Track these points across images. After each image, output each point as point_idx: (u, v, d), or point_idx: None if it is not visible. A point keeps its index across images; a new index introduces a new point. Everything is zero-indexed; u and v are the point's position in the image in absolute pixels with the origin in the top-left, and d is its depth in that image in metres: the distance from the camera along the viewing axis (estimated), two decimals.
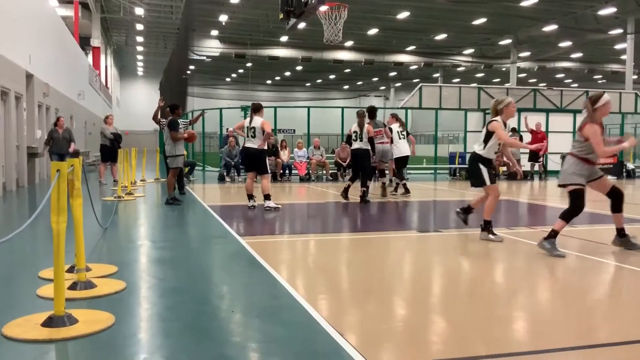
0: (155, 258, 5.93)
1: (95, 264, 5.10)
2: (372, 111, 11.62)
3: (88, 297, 4.21)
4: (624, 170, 19.08)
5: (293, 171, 17.76)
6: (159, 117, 12.02)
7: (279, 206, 9.89)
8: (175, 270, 5.33)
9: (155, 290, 4.60)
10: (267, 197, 9.85)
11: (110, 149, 14.74)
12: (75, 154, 12.73)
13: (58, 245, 3.58)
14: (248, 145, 9.92)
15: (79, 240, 4.39)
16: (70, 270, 4.62)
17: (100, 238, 6.81)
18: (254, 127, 9.77)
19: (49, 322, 3.51)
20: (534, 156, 18.39)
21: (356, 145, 11.00)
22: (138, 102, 62.23)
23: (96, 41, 35.17)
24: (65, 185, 3.68)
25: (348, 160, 17.64)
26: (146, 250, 6.34)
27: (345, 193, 11.24)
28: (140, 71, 62.06)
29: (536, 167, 18.66)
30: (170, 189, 10.46)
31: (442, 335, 3.64)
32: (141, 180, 15.84)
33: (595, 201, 8.16)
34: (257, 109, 10.01)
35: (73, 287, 4.32)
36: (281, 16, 9.97)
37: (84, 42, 33.14)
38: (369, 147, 10.91)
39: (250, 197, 10.03)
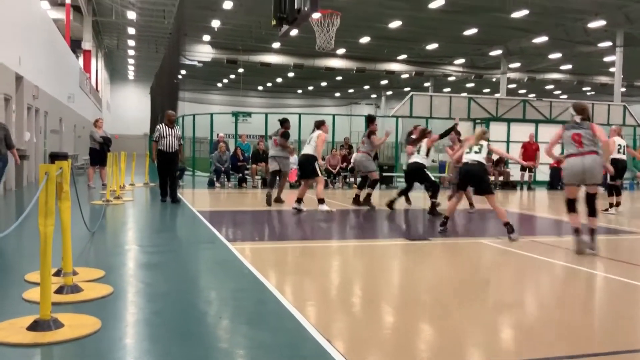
0: (143, 263, 5.90)
1: (82, 268, 5.06)
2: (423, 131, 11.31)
3: (74, 302, 4.18)
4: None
5: None
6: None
7: (333, 210, 10.20)
8: (163, 275, 5.30)
9: (143, 295, 4.57)
10: (320, 201, 10.13)
11: (100, 152, 14.65)
12: (21, 157, 10.83)
13: (45, 249, 3.55)
14: (302, 151, 10.93)
15: (67, 244, 4.36)
16: (57, 273, 4.58)
17: (88, 242, 6.76)
18: (311, 137, 10.75)
19: (35, 326, 3.48)
20: (525, 167, 18.49)
21: (414, 159, 10.59)
22: (128, 106, 62.00)
23: (87, 44, 35.02)
24: (54, 188, 3.66)
25: (338, 167, 17.69)
26: (134, 255, 6.30)
27: (391, 204, 11.07)
28: (131, 75, 61.83)
29: (526, 177, 18.78)
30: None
31: (430, 342, 3.65)
32: (130, 185, 15.76)
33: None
34: (318, 125, 10.93)
35: (59, 291, 4.29)
36: (274, 23, 10.00)
37: (75, 45, 33.00)
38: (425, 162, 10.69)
39: (299, 200, 10.36)
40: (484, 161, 8.04)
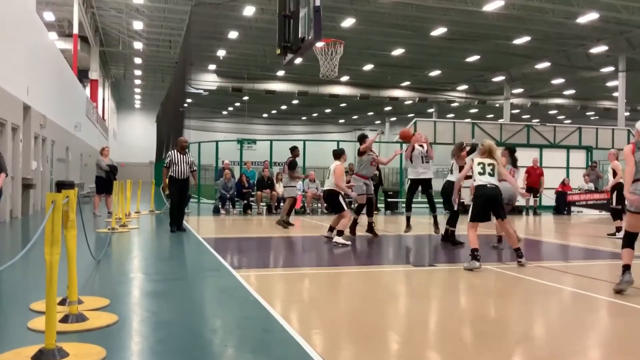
0: (148, 291, 5.88)
1: (87, 297, 5.05)
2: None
3: (79, 330, 4.16)
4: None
5: None
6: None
7: (348, 243, 9.64)
8: (168, 303, 5.28)
9: (148, 324, 4.55)
10: (338, 232, 9.83)
11: (106, 180, 14.72)
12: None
13: (51, 277, 3.55)
14: (325, 186, 10.99)
15: (72, 272, 4.36)
16: (62, 302, 4.57)
17: (93, 270, 6.75)
18: (330, 170, 10.40)
19: (39, 356, 3.46)
20: (530, 190, 18.45)
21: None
22: (134, 135, 62.49)
23: (94, 74, 35.47)
24: (60, 216, 3.68)
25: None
26: (139, 283, 6.29)
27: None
28: (137, 104, 62.47)
29: (531, 202, 18.72)
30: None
31: None
32: (135, 212, 15.79)
33: (589, 236, 8.18)
34: (335, 155, 10.59)
35: (64, 319, 4.27)
36: (278, 51, 10.09)
37: (82, 75, 33.42)
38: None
39: (331, 228, 10.22)
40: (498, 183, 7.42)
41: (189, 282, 6.49)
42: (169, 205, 11.90)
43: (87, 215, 13.98)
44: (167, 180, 11.05)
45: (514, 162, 9.76)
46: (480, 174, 7.39)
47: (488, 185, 7.30)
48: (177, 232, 10.98)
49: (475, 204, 7.52)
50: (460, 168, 9.49)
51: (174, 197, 11.14)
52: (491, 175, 7.35)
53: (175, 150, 11.23)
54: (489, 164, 7.38)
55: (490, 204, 7.38)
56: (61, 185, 4.33)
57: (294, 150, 13.41)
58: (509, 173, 8.74)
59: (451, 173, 9.88)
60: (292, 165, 13.27)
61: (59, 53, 21.10)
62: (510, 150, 9.93)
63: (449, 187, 9.61)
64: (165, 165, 11.18)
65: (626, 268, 5.76)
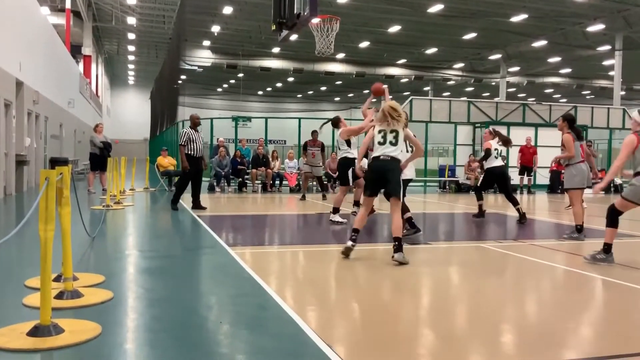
0: (143, 268, 5.89)
1: (82, 274, 5.06)
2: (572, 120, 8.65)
3: (74, 307, 4.18)
4: (612, 185, 19.24)
5: (283, 182, 17.75)
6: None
7: (344, 221, 9.48)
8: (163, 280, 5.30)
9: (143, 301, 4.57)
10: (334, 210, 9.58)
11: (100, 157, 14.67)
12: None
13: (45, 254, 3.55)
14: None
15: (67, 249, 4.36)
16: (57, 279, 4.58)
17: (88, 247, 6.76)
18: (337, 140, 10.03)
19: (35, 332, 3.47)
20: (524, 170, 18.52)
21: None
22: (128, 111, 62.09)
23: (87, 50, 35.10)
24: (54, 193, 3.66)
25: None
26: (134, 260, 6.30)
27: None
28: (131, 80, 61.95)
29: (525, 181, 18.78)
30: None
31: (431, 347, 3.64)
32: (130, 190, 15.76)
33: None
34: (334, 123, 10.39)
35: (59, 296, 4.28)
36: (274, 27, 9.99)
37: (75, 51, 33.06)
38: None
39: (356, 203, 10.07)
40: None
41: (184, 259, 6.51)
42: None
43: (81, 192, 13.95)
44: (185, 158, 10.77)
45: (578, 135, 8.23)
46: (380, 143, 6.40)
47: (381, 157, 6.36)
48: (195, 209, 10.90)
49: (365, 177, 6.84)
50: (347, 142, 9.63)
51: (190, 175, 10.96)
52: (393, 144, 6.35)
53: (189, 128, 11.12)
54: (392, 131, 6.36)
55: (379, 178, 6.40)
56: (55, 162, 4.31)
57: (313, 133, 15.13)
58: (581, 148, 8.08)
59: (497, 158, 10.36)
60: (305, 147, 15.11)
61: (51, 28, 20.82)
62: (569, 121, 8.35)
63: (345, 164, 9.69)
64: (182, 143, 10.88)
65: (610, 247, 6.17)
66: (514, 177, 18.68)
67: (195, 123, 11.20)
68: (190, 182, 11.11)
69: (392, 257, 6.07)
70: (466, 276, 5.90)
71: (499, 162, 10.48)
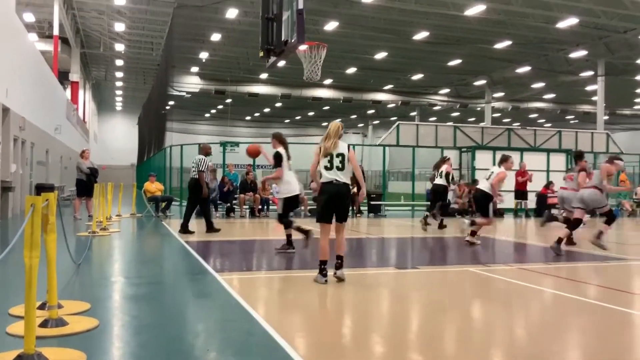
0: (129, 295, 5.83)
1: (67, 301, 4.99)
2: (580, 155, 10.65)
3: (59, 335, 4.11)
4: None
5: (271, 207, 17.70)
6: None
7: (478, 242, 10.11)
8: (149, 307, 5.24)
9: (129, 328, 4.51)
10: (472, 233, 10.26)
11: (86, 183, 14.57)
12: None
13: (30, 281, 3.51)
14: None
15: (52, 276, 4.31)
16: (42, 307, 4.51)
17: (74, 274, 6.67)
18: (492, 172, 10.33)
19: None
20: (521, 194, 18.54)
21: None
22: (116, 137, 61.97)
23: (75, 76, 35.12)
24: (40, 220, 3.63)
25: None
26: (120, 287, 6.23)
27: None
28: (118, 106, 61.95)
29: (522, 205, 18.81)
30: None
31: None
32: (117, 215, 15.64)
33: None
34: (500, 161, 10.40)
35: (44, 324, 4.22)
36: (261, 54, 10.09)
37: (63, 77, 33.08)
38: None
39: (473, 233, 10.34)
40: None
41: (171, 285, 6.45)
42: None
43: (67, 218, 13.81)
44: (204, 184, 11.68)
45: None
46: (327, 168, 6.32)
47: (334, 182, 6.28)
48: (210, 232, 11.66)
49: (320, 203, 6.55)
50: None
51: (201, 200, 11.81)
52: (340, 169, 6.28)
53: (204, 156, 11.90)
54: (338, 155, 6.30)
55: (335, 203, 6.33)
56: (41, 188, 4.28)
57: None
58: (584, 178, 9.27)
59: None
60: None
61: (39, 54, 20.85)
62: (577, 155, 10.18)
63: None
64: (202, 169, 11.66)
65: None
66: (510, 203, 18.74)
67: (207, 153, 12.02)
68: (199, 207, 12.12)
69: (334, 273, 6.27)
70: (456, 301, 5.90)
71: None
